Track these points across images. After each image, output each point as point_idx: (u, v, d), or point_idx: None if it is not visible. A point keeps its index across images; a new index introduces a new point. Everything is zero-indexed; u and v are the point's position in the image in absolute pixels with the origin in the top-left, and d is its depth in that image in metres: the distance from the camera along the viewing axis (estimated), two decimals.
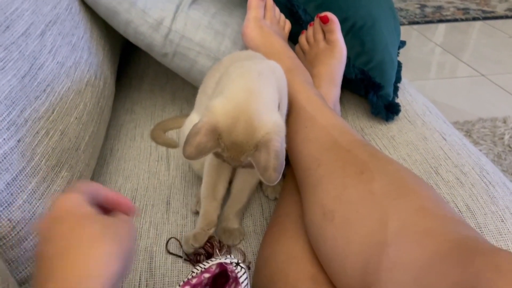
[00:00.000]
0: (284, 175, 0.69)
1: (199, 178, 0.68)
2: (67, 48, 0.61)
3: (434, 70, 2.21)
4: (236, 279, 0.35)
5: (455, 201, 0.61)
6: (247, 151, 0.46)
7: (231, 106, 0.46)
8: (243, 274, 0.35)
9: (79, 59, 0.64)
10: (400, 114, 0.81)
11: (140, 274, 0.57)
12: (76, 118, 0.58)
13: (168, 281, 0.56)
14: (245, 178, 0.62)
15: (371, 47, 0.78)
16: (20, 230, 0.44)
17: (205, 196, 0.60)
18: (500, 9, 2.92)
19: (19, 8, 0.51)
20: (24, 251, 0.45)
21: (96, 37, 0.75)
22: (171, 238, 0.61)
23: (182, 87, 0.98)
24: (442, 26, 2.73)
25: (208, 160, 0.60)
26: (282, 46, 0.72)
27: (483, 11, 2.89)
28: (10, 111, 0.45)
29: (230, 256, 0.37)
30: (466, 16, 2.82)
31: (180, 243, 0.60)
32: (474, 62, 2.19)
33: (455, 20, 2.77)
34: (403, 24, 2.68)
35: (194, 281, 0.35)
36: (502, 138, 1.54)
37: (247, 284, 0.35)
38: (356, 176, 0.46)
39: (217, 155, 0.49)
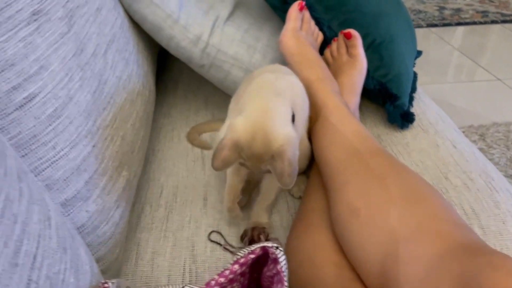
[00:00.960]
0: (307, 176, 0.78)
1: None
2: (122, 63, 0.70)
3: (451, 73, 2.26)
4: (275, 260, 0.44)
5: (462, 204, 0.69)
6: (265, 161, 0.54)
7: (249, 124, 0.55)
8: (282, 255, 0.44)
9: (131, 72, 0.73)
10: (415, 123, 0.88)
11: (184, 261, 0.66)
12: (131, 124, 0.68)
13: (208, 266, 0.65)
14: (272, 178, 0.71)
15: (389, 61, 0.86)
16: (94, 220, 0.53)
17: (229, 173, 0.68)
18: None
19: (88, 32, 0.60)
20: (97, 236, 0.54)
21: (142, 50, 0.85)
22: (212, 231, 0.70)
23: (213, 93, 1.07)
24: (460, 29, 2.77)
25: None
26: (315, 56, 0.80)
27: (502, 14, 2.91)
28: (87, 122, 0.54)
29: (269, 241, 0.46)
30: (485, 19, 2.84)
31: (220, 234, 0.69)
32: (492, 66, 2.23)
33: (474, 23, 2.80)
34: (421, 26, 2.72)
35: (242, 260, 0.44)
36: None
37: (285, 263, 0.44)
38: (379, 181, 0.55)
39: (241, 164, 0.58)
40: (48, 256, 0.37)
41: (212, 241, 0.69)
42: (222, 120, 0.95)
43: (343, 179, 0.59)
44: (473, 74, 2.22)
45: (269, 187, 0.71)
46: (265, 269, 0.47)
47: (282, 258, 0.43)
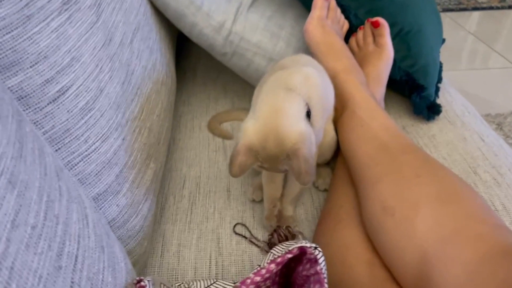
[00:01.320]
0: (332, 168, 0.76)
1: (253, 169, 0.76)
2: (147, 52, 0.69)
3: (465, 60, 2.22)
4: (313, 260, 0.43)
5: (492, 200, 0.68)
6: (281, 161, 0.53)
7: (261, 126, 0.54)
8: (321, 256, 0.43)
9: (155, 61, 0.72)
10: (440, 114, 0.86)
11: (210, 253, 0.65)
12: (157, 115, 0.66)
13: (234, 260, 0.65)
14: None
15: (416, 51, 0.84)
16: (124, 214, 0.53)
17: (265, 182, 0.68)
18: None
19: (115, 20, 0.59)
20: (127, 230, 0.54)
21: (163, 37, 0.83)
22: (237, 224, 0.69)
23: (232, 80, 1.05)
24: (476, 14, 2.71)
25: None
26: (342, 46, 0.78)
27: None
28: (117, 114, 0.53)
29: (305, 241, 0.45)
30: (502, 4, 2.78)
31: (245, 227, 0.68)
32: (508, 53, 2.19)
33: (491, 8, 2.74)
34: None
35: (279, 260, 0.43)
36: None
37: (324, 264, 0.43)
38: (413, 179, 0.53)
39: (260, 167, 0.57)
40: (88, 256, 0.36)
41: (237, 233, 0.68)
42: (243, 109, 0.94)
43: (374, 176, 0.58)
44: (488, 61, 2.18)
45: (294, 180, 0.70)
46: (300, 267, 0.47)
47: (321, 259, 0.42)
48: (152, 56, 0.71)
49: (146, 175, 0.59)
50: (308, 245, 0.43)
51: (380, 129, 0.65)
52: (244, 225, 0.70)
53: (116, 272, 0.41)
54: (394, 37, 0.83)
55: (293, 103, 0.56)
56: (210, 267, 0.64)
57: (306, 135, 0.53)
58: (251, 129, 0.54)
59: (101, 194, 0.49)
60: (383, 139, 0.63)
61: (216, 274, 0.63)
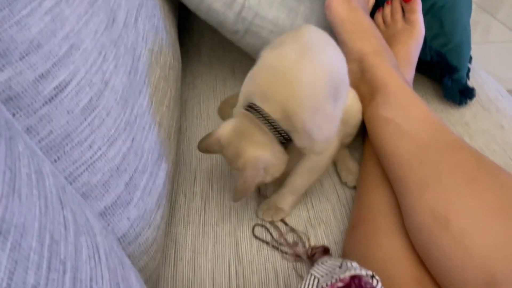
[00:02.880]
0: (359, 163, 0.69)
1: None
2: (153, 32, 0.60)
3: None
4: None
5: None
6: (234, 168, 0.55)
7: (228, 135, 0.55)
8: (380, 286, 0.36)
9: (161, 42, 0.63)
10: (473, 99, 0.79)
11: (229, 261, 0.58)
12: (167, 106, 0.58)
13: (256, 268, 0.58)
14: (306, 162, 0.60)
15: (450, 28, 0.75)
16: (136, 227, 0.45)
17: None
18: None
19: None
20: (139, 245, 0.46)
21: (167, 13, 0.73)
22: (256, 225, 0.62)
23: (240, 59, 0.96)
24: None
25: None
26: (370, 24, 0.70)
27: None
28: (125, 111, 0.44)
29: (359, 268, 0.38)
30: None
31: (266, 228, 0.61)
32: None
33: None
34: None
35: None
36: None
37: None
38: (469, 184, 0.46)
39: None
40: None
41: (257, 237, 0.61)
42: None
43: (420, 179, 0.50)
44: (488, 32, 2.08)
45: (299, 170, 0.61)
46: None
47: None
48: (157, 37, 0.61)
49: (158, 179, 0.51)
50: (363, 273, 0.36)
51: (420, 121, 0.57)
52: (264, 226, 0.63)
53: None
54: (425, 13, 0.74)
55: (259, 130, 0.53)
56: (230, 278, 0.57)
57: (259, 163, 0.53)
58: (225, 129, 0.55)
59: (109, 208, 0.42)
60: (425, 133, 0.55)
61: (237, 285, 0.56)
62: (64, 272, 0.26)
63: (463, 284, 0.42)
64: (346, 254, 0.56)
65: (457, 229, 0.44)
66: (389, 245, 0.51)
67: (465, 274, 0.42)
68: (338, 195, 0.67)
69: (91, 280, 0.29)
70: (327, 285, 0.36)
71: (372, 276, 0.36)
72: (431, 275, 0.46)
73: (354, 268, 0.37)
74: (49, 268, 0.24)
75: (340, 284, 0.37)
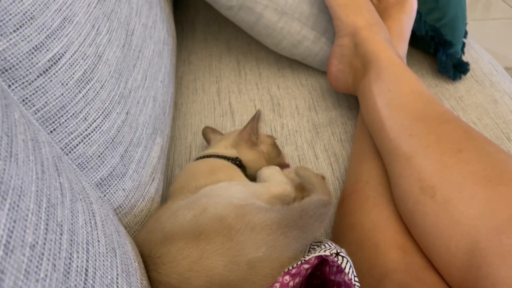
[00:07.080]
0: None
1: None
2: (146, 6, 0.60)
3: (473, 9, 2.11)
4: (338, 269, 0.37)
5: None
6: None
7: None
8: (346, 263, 0.37)
9: (155, 17, 0.63)
10: (467, 73, 0.79)
11: None
12: (161, 81, 0.59)
13: None
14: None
15: (445, 2, 0.75)
16: (131, 198, 0.46)
17: None
18: None
19: None
20: (134, 216, 0.48)
21: None
22: None
23: (236, 35, 0.96)
24: None
25: None
26: None
27: None
28: (119, 84, 0.45)
29: (329, 244, 0.39)
30: None
31: None
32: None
33: None
34: None
35: (293, 271, 0.37)
36: None
37: (353, 271, 0.37)
38: (454, 154, 0.47)
39: None
40: (99, 265, 0.30)
41: None
42: None
43: (409, 149, 0.51)
44: (489, 10, 2.07)
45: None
46: (327, 269, 0.40)
47: (347, 267, 0.36)
48: (151, 12, 0.62)
49: (153, 152, 0.52)
50: (328, 253, 0.37)
51: (411, 95, 0.57)
52: None
53: (131, 276, 0.35)
54: None
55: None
56: None
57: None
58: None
59: (105, 179, 0.43)
60: (416, 106, 0.56)
61: None
62: (61, 234, 0.27)
63: (446, 252, 0.43)
64: (336, 224, 0.57)
65: (442, 198, 0.45)
66: (376, 214, 0.52)
67: (449, 242, 0.43)
68: (332, 168, 0.69)
69: (87, 243, 0.30)
70: (293, 267, 0.37)
71: (337, 254, 0.37)
72: (416, 243, 0.48)
73: (319, 251, 0.37)
74: (46, 229, 0.25)
75: (305, 266, 0.37)
